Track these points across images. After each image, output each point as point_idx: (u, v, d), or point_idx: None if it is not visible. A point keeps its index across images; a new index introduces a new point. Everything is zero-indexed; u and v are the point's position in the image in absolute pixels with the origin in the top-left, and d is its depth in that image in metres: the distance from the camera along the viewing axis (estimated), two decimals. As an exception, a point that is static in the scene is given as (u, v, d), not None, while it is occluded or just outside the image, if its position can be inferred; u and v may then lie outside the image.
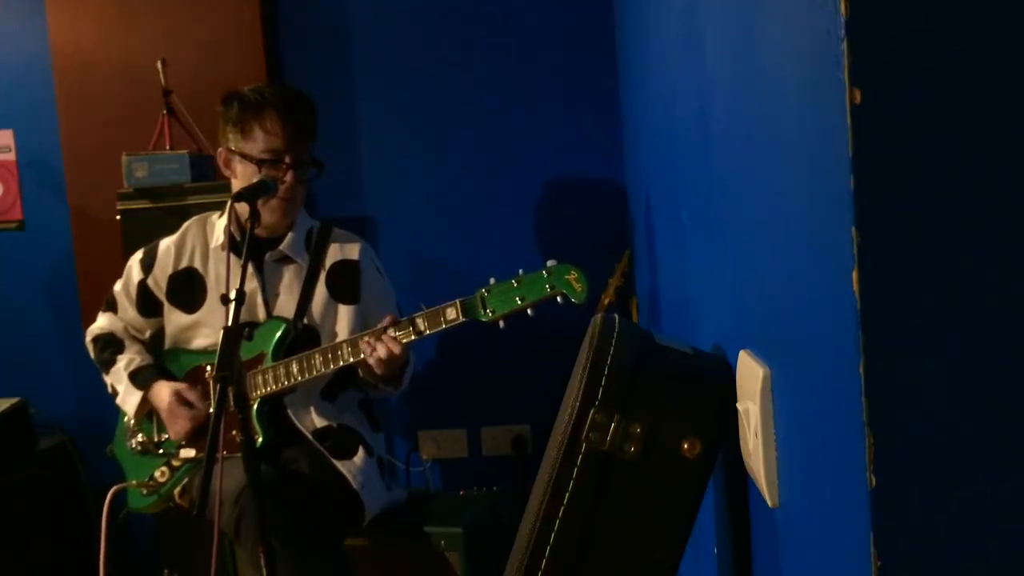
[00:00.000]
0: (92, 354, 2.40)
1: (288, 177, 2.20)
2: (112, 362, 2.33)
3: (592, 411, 0.93)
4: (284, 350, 2.22)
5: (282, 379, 2.18)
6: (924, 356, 0.57)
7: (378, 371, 2.10)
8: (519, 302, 2.03)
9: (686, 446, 0.92)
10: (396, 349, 2.06)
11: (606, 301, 2.55)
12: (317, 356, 2.16)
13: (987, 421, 0.57)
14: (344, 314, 2.28)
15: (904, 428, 0.57)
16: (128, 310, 2.38)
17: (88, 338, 2.41)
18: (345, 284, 2.30)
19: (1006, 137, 0.55)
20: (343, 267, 2.31)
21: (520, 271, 2.05)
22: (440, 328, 2.07)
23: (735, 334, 1.02)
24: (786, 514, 0.83)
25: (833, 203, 0.60)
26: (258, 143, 2.20)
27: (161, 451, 2.32)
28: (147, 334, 2.40)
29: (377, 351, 2.06)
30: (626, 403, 0.93)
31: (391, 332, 2.08)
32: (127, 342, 2.36)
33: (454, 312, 2.06)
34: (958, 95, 0.55)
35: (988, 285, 0.56)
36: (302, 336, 2.25)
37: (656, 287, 2.05)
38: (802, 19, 0.65)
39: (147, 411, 2.31)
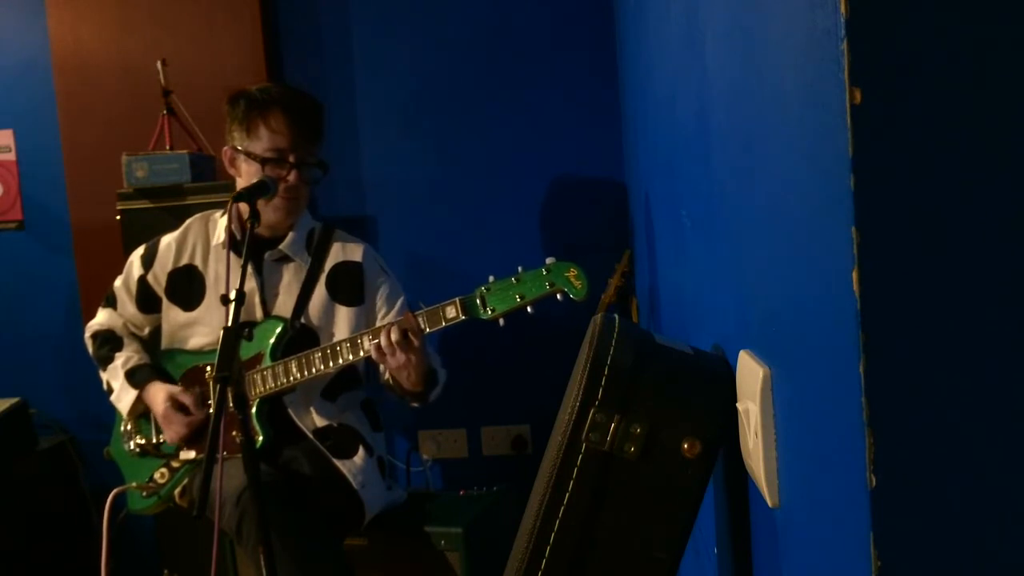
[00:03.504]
0: (90, 350, 2.40)
1: (291, 177, 2.20)
2: (109, 359, 2.33)
3: (592, 411, 0.93)
4: (282, 349, 2.22)
5: (281, 378, 2.18)
6: (924, 356, 0.57)
7: (396, 368, 2.08)
8: (519, 300, 2.03)
9: (686, 446, 0.92)
10: (417, 341, 2.05)
11: (606, 301, 2.55)
12: (316, 355, 2.16)
13: (987, 421, 0.57)
14: (344, 316, 2.28)
15: (904, 428, 0.57)
16: (127, 306, 2.38)
17: (87, 334, 2.41)
18: (347, 286, 2.30)
19: (1006, 137, 0.55)
20: (345, 268, 2.31)
21: (519, 269, 2.05)
22: (440, 327, 2.07)
23: (735, 334, 1.02)
24: (786, 514, 0.83)
25: (833, 203, 0.60)
26: (263, 141, 2.20)
27: (160, 452, 2.32)
28: (146, 331, 2.40)
29: (396, 355, 2.06)
30: (626, 403, 0.93)
31: (394, 336, 2.06)
32: (126, 339, 2.36)
33: (454, 310, 2.05)
34: (958, 95, 0.55)
35: (988, 284, 0.56)
36: (300, 336, 2.25)
37: (656, 287, 2.05)
38: (802, 19, 0.65)
39: (141, 411, 2.31)
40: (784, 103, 0.73)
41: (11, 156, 3.20)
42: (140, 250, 2.39)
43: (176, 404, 2.23)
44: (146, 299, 2.36)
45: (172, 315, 2.34)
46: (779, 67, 0.74)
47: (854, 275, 0.57)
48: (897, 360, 0.57)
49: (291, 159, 2.20)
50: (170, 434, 2.25)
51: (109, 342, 2.35)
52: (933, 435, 0.57)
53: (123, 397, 2.29)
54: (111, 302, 2.41)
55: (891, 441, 0.57)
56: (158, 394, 2.25)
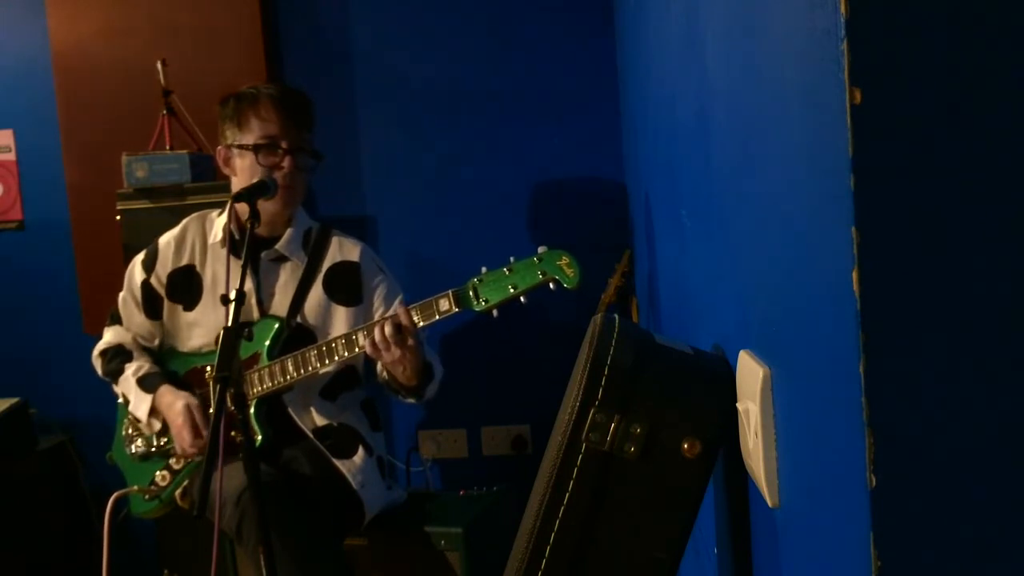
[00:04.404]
0: (99, 369, 2.37)
1: (286, 163, 2.20)
2: (120, 371, 2.30)
3: (592, 411, 0.93)
4: (279, 349, 2.22)
5: (278, 377, 2.18)
6: (924, 356, 0.57)
7: (391, 363, 2.08)
8: (511, 290, 2.02)
9: (686, 446, 0.92)
10: (410, 336, 2.05)
11: (606, 301, 2.55)
12: (312, 353, 2.16)
13: (987, 421, 0.57)
14: (342, 316, 2.28)
15: (904, 428, 0.57)
16: (135, 316, 2.36)
17: (95, 353, 2.39)
18: (345, 285, 2.30)
19: (1006, 136, 0.55)
20: (342, 268, 2.31)
21: (511, 259, 2.04)
22: (433, 320, 2.06)
23: (735, 334, 1.02)
24: (786, 514, 0.83)
25: (833, 203, 0.60)
26: (254, 131, 2.21)
27: (161, 455, 2.31)
28: (156, 342, 2.38)
29: (391, 350, 2.05)
30: (626, 403, 0.93)
31: (387, 330, 2.06)
32: (136, 352, 2.34)
33: (447, 303, 2.05)
34: (958, 95, 0.55)
35: (988, 284, 0.56)
36: (297, 336, 2.24)
37: (656, 287, 2.04)
38: (802, 19, 0.65)
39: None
40: (784, 103, 0.73)
41: (11, 156, 3.20)
42: (140, 256, 2.38)
43: (192, 423, 2.18)
44: (152, 303, 2.35)
45: (174, 315, 2.33)
46: (779, 67, 0.74)
47: (854, 275, 0.57)
48: (897, 360, 0.57)
49: (284, 145, 2.21)
50: (179, 446, 2.23)
51: (119, 355, 2.33)
52: (933, 435, 0.57)
53: (140, 405, 2.27)
54: (116, 319, 2.39)
55: (891, 441, 0.57)
56: (176, 402, 2.21)
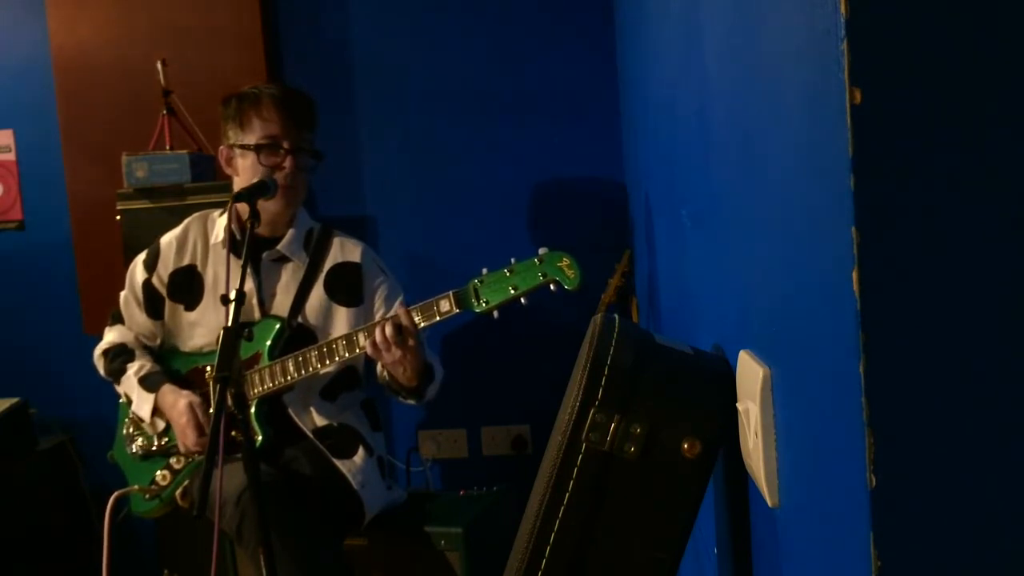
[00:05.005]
0: (102, 368, 2.37)
1: (287, 163, 2.20)
2: (123, 371, 2.30)
3: (592, 411, 0.93)
4: (280, 349, 2.22)
5: (279, 377, 2.18)
6: (924, 356, 0.57)
7: (392, 363, 2.08)
8: (512, 292, 2.02)
9: (686, 446, 0.92)
10: (411, 337, 2.05)
11: (606, 301, 2.55)
12: (313, 353, 2.16)
13: (987, 421, 0.57)
14: (343, 316, 2.28)
15: (904, 428, 0.57)
16: (136, 316, 2.36)
17: (96, 353, 2.38)
18: (346, 286, 2.30)
19: (1006, 136, 0.55)
20: (344, 269, 2.31)
21: (512, 260, 2.04)
22: (434, 320, 2.06)
23: (735, 334, 1.02)
24: (786, 514, 0.83)
25: (833, 203, 0.60)
26: (256, 131, 2.21)
27: (162, 454, 2.31)
28: (158, 341, 2.38)
29: (391, 351, 2.05)
30: (626, 403, 0.93)
31: (388, 330, 2.06)
32: (138, 351, 2.33)
33: (448, 304, 2.05)
34: (958, 95, 0.55)
35: (988, 284, 0.56)
36: (298, 337, 2.24)
37: (656, 287, 2.04)
38: (802, 19, 0.65)
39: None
40: (784, 103, 0.73)
41: (11, 156, 3.20)
42: (141, 256, 2.38)
43: (195, 422, 2.18)
44: (153, 303, 2.35)
45: (175, 315, 2.33)
46: (779, 67, 0.74)
47: (854, 275, 0.57)
48: (897, 360, 0.57)
49: (285, 145, 2.21)
50: (182, 443, 2.23)
51: (121, 355, 2.32)
52: (933, 435, 0.57)
53: (142, 405, 2.26)
54: (118, 319, 2.38)
55: (891, 441, 0.57)
56: (178, 401, 2.21)
